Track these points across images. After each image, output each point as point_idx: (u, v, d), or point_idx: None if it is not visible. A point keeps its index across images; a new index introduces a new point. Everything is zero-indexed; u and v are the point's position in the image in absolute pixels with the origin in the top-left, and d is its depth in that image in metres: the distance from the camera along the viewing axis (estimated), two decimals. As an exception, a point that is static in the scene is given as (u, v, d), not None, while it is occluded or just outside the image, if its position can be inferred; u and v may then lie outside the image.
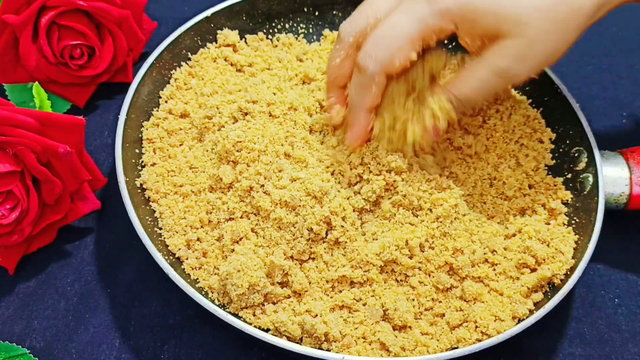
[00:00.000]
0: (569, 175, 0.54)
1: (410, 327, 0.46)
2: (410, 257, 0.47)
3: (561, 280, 0.48)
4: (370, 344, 0.44)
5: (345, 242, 0.46)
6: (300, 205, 0.45)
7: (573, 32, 0.43)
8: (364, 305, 0.46)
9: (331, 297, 0.46)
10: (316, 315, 0.45)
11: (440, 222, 0.48)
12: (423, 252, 0.47)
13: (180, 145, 0.53)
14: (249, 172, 0.47)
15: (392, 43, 0.43)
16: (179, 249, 0.47)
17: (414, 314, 0.46)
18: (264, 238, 0.46)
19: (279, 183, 0.46)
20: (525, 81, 0.45)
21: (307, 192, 0.45)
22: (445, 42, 0.49)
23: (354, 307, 0.46)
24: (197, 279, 0.46)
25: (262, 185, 0.47)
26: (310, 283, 0.46)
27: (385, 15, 0.44)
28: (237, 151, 0.48)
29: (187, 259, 0.47)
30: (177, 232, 0.48)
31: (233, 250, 0.46)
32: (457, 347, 0.44)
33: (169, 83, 0.57)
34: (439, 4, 0.43)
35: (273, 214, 0.46)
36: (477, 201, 0.51)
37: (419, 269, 0.47)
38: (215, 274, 0.46)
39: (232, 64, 0.58)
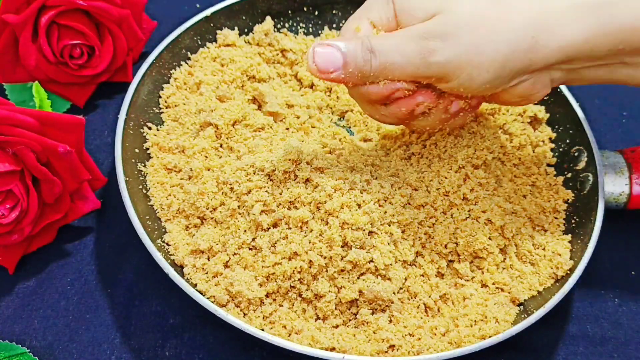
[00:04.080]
0: (569, 175, 0.54)
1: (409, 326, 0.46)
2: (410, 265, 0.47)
3: (561, 279, 0.48)
4: (369, 341, 0.45)
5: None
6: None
7: (503, 42, 0.40)
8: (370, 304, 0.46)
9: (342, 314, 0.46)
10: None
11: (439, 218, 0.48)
12: (422, 251, 0.48)
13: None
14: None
15: None
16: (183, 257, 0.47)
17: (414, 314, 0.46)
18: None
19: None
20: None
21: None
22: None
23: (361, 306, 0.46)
24: (197, 283, 0.46)
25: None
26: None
27: None
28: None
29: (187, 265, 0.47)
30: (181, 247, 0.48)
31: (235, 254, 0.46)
32: (457, 347, 0.44)
33: (168, 82, 0.57)
34: None
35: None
36: (477, 200, 0.51)
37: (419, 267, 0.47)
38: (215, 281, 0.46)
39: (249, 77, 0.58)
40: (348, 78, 0.42)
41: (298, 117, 0.55)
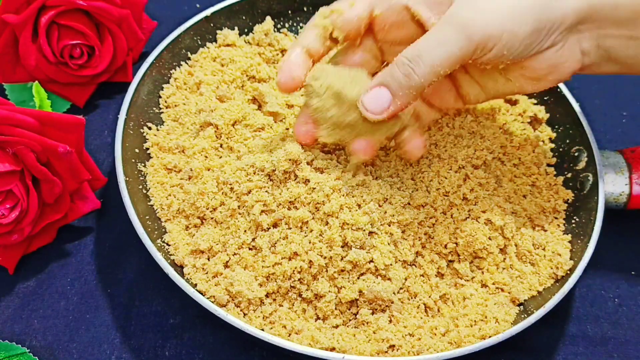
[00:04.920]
0: (569, 175, 0.54)
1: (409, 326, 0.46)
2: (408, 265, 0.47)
3: (561, 279, 0.48)
4: (369, 341, 0.45)
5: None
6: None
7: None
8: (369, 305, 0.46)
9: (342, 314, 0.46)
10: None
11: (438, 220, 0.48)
12: (422, 251, 0.48)
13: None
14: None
15: None
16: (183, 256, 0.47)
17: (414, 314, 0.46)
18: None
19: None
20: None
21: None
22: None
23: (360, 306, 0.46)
24: (197, 283, 0.46)
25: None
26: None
27: None
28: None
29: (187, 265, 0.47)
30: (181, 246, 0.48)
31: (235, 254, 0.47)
32: (457, 347, 0.44)
33: (168, 82, 0.57)
34: None
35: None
36: (477, 200, 0.51)
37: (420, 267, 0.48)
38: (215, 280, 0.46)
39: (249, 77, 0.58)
40: (406, 101, 0.42)
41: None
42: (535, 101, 0.58)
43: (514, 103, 0.57)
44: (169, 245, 0.48)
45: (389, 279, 0.46)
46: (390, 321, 0.46)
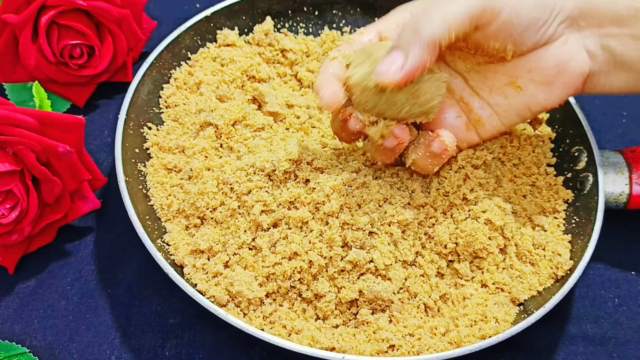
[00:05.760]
0: (569, 175, 0.54)
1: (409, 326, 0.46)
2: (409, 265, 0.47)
3: (561, 279, 0.48)
4: (369, 341, 0.45)
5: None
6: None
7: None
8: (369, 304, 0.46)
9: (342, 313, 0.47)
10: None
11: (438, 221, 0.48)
12: (422, 251, 0.48)
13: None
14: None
15: None
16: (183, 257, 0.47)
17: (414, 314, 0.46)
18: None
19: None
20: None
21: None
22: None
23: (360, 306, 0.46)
24: (197, 283, 0.46)
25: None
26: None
27: None
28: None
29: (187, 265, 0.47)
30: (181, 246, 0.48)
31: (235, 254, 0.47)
32: (457, 347, 0.44)
33: (168, 82, 0.57)
34: None
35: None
36: (477, 200, 0.51)
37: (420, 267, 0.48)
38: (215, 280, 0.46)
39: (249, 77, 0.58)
40: (419, 59, 0.41)
41: (298, 117, 0.55)
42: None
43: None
44: (169, 245, 0.48)
45: (389, 279, 0.46)
46: (390, 321, 0.46)
